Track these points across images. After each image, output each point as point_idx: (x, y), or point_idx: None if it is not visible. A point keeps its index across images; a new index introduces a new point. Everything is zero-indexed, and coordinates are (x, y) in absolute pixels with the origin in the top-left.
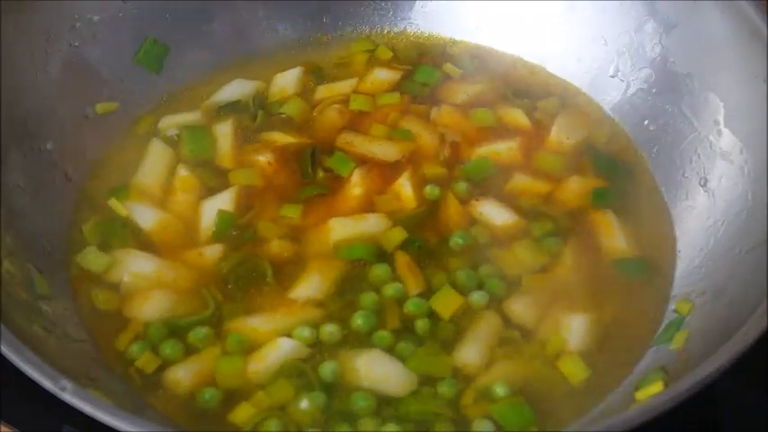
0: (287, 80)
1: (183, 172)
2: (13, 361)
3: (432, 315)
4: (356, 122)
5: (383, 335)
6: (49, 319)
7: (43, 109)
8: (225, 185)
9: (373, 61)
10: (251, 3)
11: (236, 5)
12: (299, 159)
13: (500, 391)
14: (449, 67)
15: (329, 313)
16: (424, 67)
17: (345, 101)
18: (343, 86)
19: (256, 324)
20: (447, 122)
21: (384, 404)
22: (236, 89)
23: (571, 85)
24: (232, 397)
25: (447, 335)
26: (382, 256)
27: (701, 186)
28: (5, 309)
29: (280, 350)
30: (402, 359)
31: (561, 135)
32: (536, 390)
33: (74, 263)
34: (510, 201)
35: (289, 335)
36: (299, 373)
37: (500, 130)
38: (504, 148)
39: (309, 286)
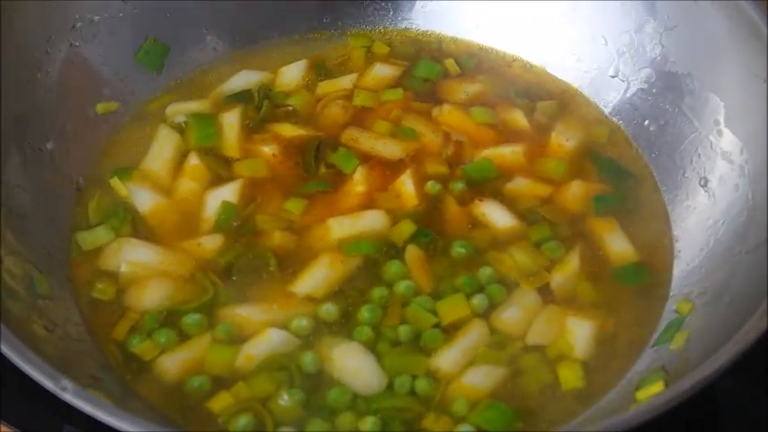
0: (293, 72)
1: (194, 160)
2: (14, 361)
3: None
4: (359, 118)
5: (364, 330)
6: (49, 318)
7: (43, 109)
8: (229, 174)
9: (371, 57)
10: (250, 3)
11: (234, 5)
12: (303, 153)
13: (461, 406)
14: (450, 62)
15: (328, 309)
16: (423, 61)
17: (348, 96)
18: (344, 82)
19: (248, 313)
20: (448, 121)
21: (361, 399)
22: (243, 79)
23: (571, 85)
24: (220, 385)
25: (432, 338)
26: (389, 251)
27: (701, 186)
28: (5, 309)
29: (270, 342)
30: (379, 356)
31: (561, 138)
32: (522, 392)
33: (73, 248)
34: (511, 203)
35: (282, 327)
36: (282, 366)
37: (502, 132)
38: (508, 152)
39: (311, 281)
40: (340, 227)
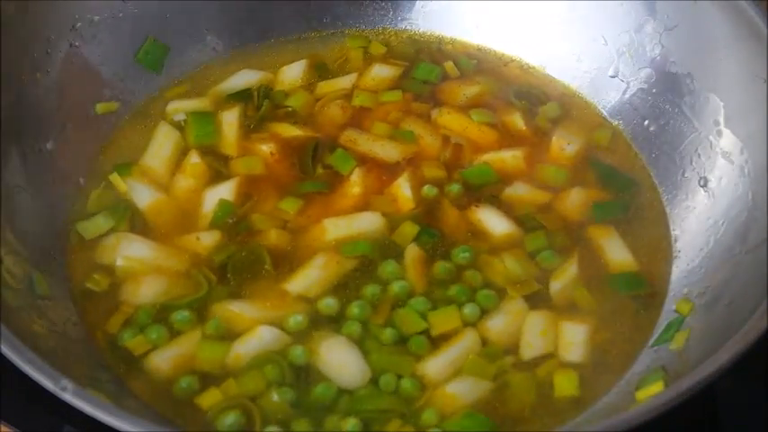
0: (293, 72)
1: (194, 158)
2: (14, 361)
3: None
4: (358, 119)
5: (352, 326)
6: (49, 318)
7: (43, 109)
8: (227, 172)
9: (369, 57)
10: (249, 3)
11: (233, 5)
12: (301, 154)
13: (432, 416)
14: (449, 65)
15: (317, 309)
16: (423, 64)
17: (347, 96)
18: (343, 82)
19: (241, 310)
20: (447, 124)
21: (345, 398)
22: (243, 79)
23: (570, 85)
24: (210, 382)
25: (419, 344)
26: (387, 252)
27: (701, 186)
28: (5, 309)
29: (260, 339)
30: (366, 352)
31: (562, 142)
32: (510, 403)
33: (71, 239)
34: (509, 209)
35: (274, 324)
36: (272, 361)
37: (502, 136)
38: (508, 157)
39: (306, 281)
40: (335, 228)
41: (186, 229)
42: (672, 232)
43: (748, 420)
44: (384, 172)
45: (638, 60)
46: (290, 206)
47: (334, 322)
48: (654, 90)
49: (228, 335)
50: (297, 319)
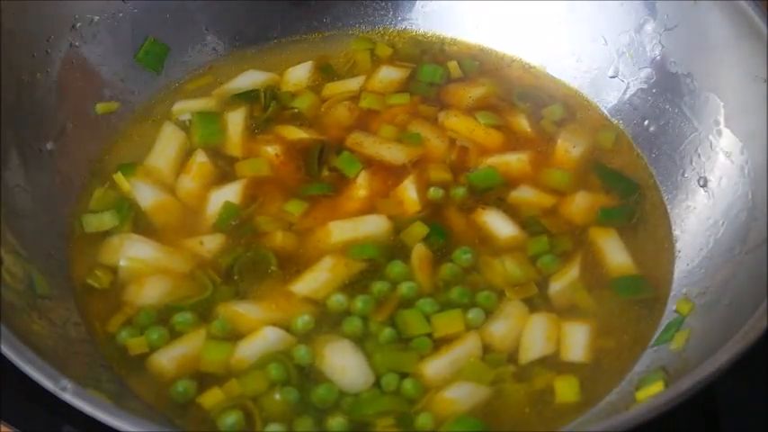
0: (299, 73)
1: (200, 158)
2: (14, 361)
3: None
4: (365, 121)
5: (353, 321)
6: (49, 319)
7: (43, 109)
8: (232, 173)
9: (376, 59)
10: (249, 3)
11: (233, 5)
12: (307, 156)
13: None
14: (453, 65)
15: (323, 311)
16: (426, 65)
17: (354, 98)
18: (351, 84)
19: (246, 311)
20: (454, 127)
21: (347, 400)
22: (250, 79)
23: (571, 85)
24: (213, 381)
25: (422, 344)
26: (395, 255)
27: (701, 186)
28: (5, 308)
29: (265, 339)
30: (369, 353)
31: (567, 145)
32: (508, 408)
33: (72, 239)
34: (514, 212)
35: (279, 325)
36: (276, 360)
37: (508, 139)
38: (513, 160)
39: (313, 283)
40: (340, 231)
41: (191, 229)
42: (672, 233)
43: (748, 420)
44: (390, 175)
45: (638, 60)
46: (295, 208)
47: (342, 321)
48: (654, 90)
49: (233, 335)
50: (303, 320)
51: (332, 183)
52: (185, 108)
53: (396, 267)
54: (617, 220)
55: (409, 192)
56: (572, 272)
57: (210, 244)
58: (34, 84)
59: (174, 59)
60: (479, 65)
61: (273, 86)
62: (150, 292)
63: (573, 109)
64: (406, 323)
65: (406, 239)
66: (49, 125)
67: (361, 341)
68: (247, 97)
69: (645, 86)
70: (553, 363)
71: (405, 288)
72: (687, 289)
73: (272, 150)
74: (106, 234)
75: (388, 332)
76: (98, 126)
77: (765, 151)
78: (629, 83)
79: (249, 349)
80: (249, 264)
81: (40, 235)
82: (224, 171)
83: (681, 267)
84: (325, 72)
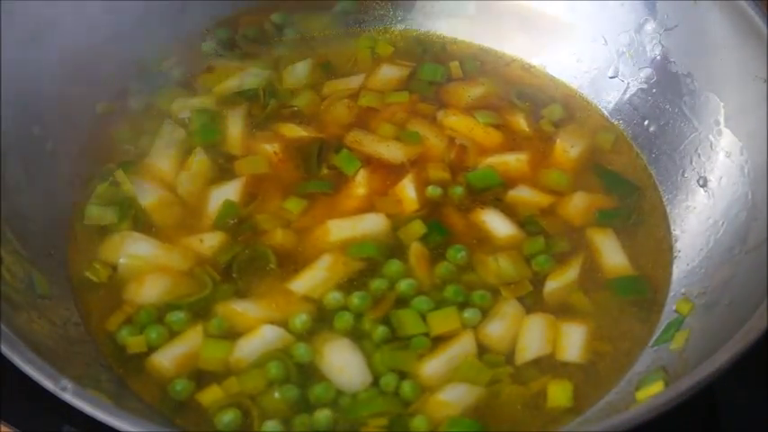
0: (299, 71)
1: (200, 155)
2: (14, 361)
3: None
4: (363, 118)
5: (344, 316)
6: (49, 318)
7: (43, 108)
8: (232, 171)
9: (376, 57)
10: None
11: (231, 4)
12: (305, 154)
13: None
14: (454, 65)
15: (321, 308)
16: (427, 64)
17: (353, 96)
18: (351, 82)
19: (244, 309)
20: (453, 125)
21: (344, 400)
22: (249, 77)
23: (570, 85)
24: (212, 379)
25: (421, 344)
26: (393, 253)
27: (701, 186)
28: (5, 308)
29: (263, 338)
30: (368, 354)
31: (566, 145)
32: (504, 408)
33: (72, 238)
34: (512, 212)
35: (277, 324)
36: (275, 358)
37: (506, 138)
38: (512, 160)
39: (311, 281)
40: (339, 229)
41: (191, 227)
42: (672, 233)
43: (748, 420)
44: (389, 173)
45: (638, 60)
46: (294, 206)
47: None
48: (654, 90)
49: (232, 334)
50: (302, 319)
51: (331, 181)
52: (185, 105)
53: (393, 266)
54: (615, 220)
55: (407, 190)
56: (569, 272)
57: (210, 242)
58: (35, 83)
59: (175, 58)
60: (480, 64)
61: (273, 84)
62: (150, 291)
63: (572, 109)
64: (402, 322)
65: (403, 237)
66: (49, 125)
67: (360, 340)
68: (247, 95)
69: (645, 86)
70: (549, 363)
71: (403, 285)
72: (687, 289)
73: (270, 148)
74: (106, 232)
75: (381, 330)
76: (99, 125)
77: (765, 151)
78: (628, 83)
79: (248, 347)
80: (248, 261)
81: (40, 235)
82: (223, 169)
83: (680, 267)
84: (325, 70)
